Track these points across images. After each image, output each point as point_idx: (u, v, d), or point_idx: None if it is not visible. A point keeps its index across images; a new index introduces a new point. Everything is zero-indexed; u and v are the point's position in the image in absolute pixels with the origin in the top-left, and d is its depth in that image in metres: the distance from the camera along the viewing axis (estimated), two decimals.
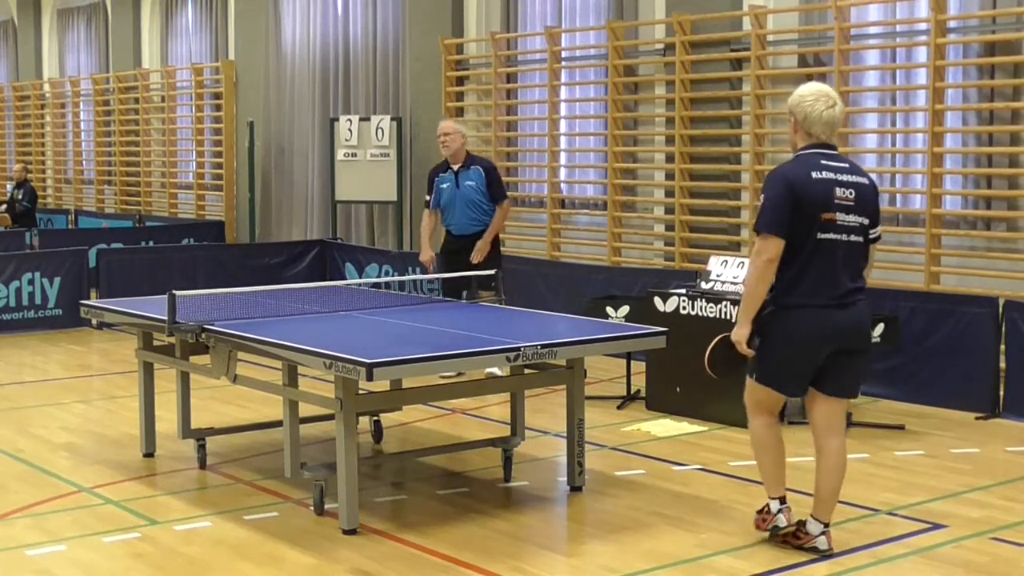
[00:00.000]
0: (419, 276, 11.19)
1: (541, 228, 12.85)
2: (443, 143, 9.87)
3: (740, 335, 5.53)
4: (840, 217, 5.41)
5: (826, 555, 5.58)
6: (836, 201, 5.41)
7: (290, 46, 16.43)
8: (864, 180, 5.55)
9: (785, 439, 7.92)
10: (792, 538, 5.68)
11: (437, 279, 10.34)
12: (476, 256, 9.68)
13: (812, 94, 5.52)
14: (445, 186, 9.92)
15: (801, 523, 5.69)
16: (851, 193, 5.46)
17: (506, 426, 7.31)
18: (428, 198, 10.12)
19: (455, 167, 9.89)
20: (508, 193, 10.44)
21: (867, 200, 5.53)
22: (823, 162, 5.46)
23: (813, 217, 5.36)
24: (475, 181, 9.84)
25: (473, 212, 9.87)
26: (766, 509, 5.79)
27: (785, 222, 5.34)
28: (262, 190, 16.73)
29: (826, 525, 5.64)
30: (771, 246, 5.36)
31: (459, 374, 7.94)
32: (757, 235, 5.44)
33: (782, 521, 5.69)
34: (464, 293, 8.16)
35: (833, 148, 5.58)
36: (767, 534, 5.91)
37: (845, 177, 5.48)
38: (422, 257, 10.27)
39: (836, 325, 5.44)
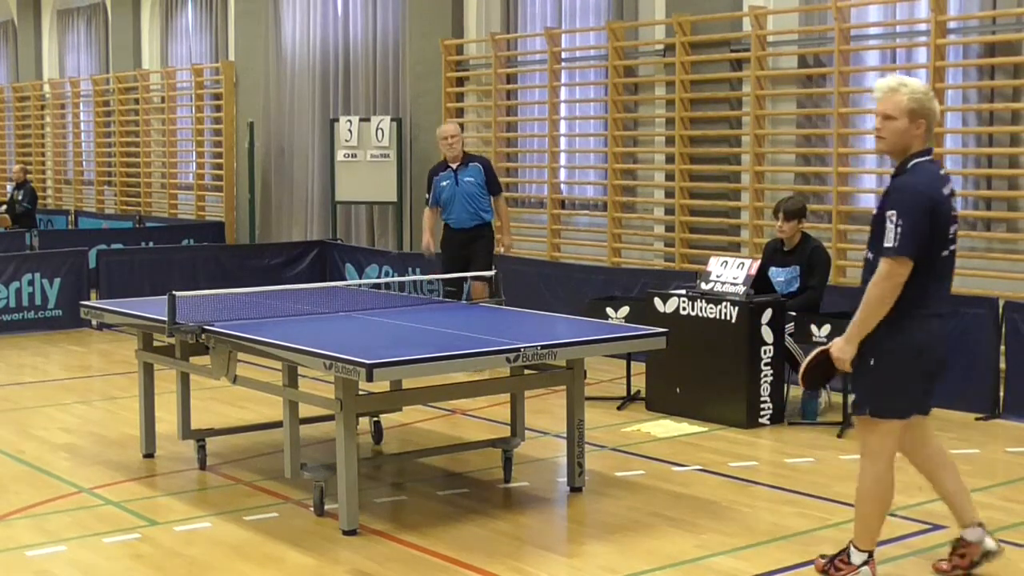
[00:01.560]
0: (419, 277, 11.25)
1: (541, 228, 12.85)
2: (450, 144, 10.36)
3: (846, 353, 5.08)
4: (952, 229, 5.10)
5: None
6: (954, 214, 5.11)
7: (290, 47, 16.43)
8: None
9: (782, 440, 7.99)
10: (957, 557, 5.38)
11: (437, 279, 10.52)
12: (505, 250, 10.55)
13: (924, 88, 5.05)
14: (445, 184, 10.41)
15: (958, 542, 5.41)
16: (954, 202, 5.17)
17: (506, 427, 7.30)
18: (428, 196, 10.62)
19: (453, 166, 10.37)
20: (508, 194, 11.02)
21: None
22: (940, 172, 5.10)
23: (944, 234, 5.02)
24: (474, 177, 10.36)
25: (473, 207, 10.37)
26: (844, 558, 5.29)
27: (923, 246, 4.92)
28: (262, 191, 16.73)
29: (980, 524, 5.36)
30: (904, 270, 4.91)
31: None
32: (887, 256, 4.93)
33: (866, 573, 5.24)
34: (465, 289, 8.32)
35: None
36: (770, 536, 5.91)
37: (950, 186, 5.13)
38: (424, 242, 10.79)
39: (943, 337, 5.18)
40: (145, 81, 19.46)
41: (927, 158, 5.05)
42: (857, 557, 5.22)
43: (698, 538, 5.91)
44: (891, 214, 4.93)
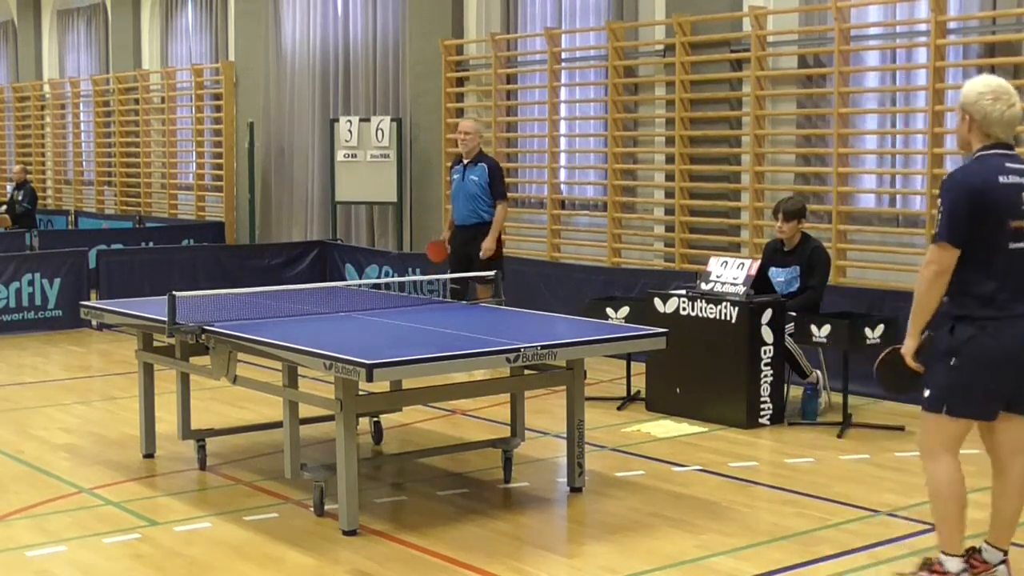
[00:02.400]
0: (419, 277, 11.26)
1: (541, 229, 12.85)
2: (462, 140, 10.53)
3: (908, 348, 5.07)
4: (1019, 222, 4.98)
5: None
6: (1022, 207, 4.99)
7: (290, 47, 16.43)
8: None
9: (782, 440, 7.98)
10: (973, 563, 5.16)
11: (438, 279, 10.57)
12: (484, 254, 10.22)
13: (991, 92, 5.07)
14: (455, 178, 10.63)
15: (974, 551, 5.18)
16: None
17: (506, 427, 7.30)
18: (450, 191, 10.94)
19: (466, 162, 10.51)
20: (509, 194, 10.89)
21: None
22: (1008, 165, 5.01)
23: (1001, 225, 4.93)
24: (479, 177, 10.41)
25: (472, 205, 10.43)
26: (935, 566, 5.13)
27: (962, 231, 4.89)
28: (262, 191, 16.73)
29: (1005, 553, 5.16)
30: (942, 256, 4.91)
31: None
32: (932, 244, 4.98)
33: None
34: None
35: (1011, 148, 5.10)
36: (770, 537, 5.92)
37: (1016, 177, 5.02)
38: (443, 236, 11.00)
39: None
40: (145, 81, 19.46)
41: (991, 152, 5.03)
42: (952, 564, 5.06)
43: (698, 538, 5.91)
44: (939, 203, 5.03)
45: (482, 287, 9.69)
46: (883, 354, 5.24)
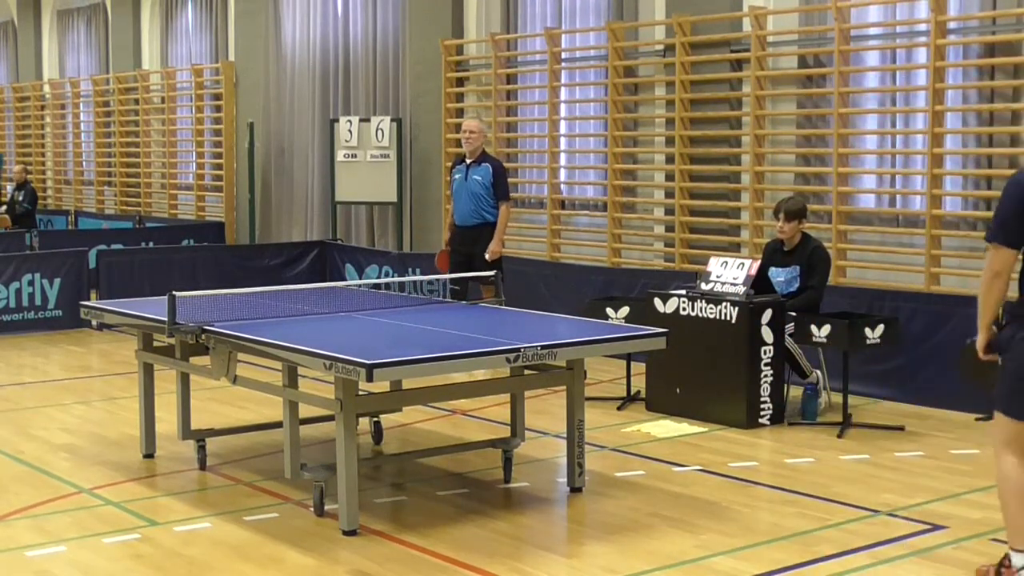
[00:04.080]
0: (419, 277, 11.26)
1: (541, 229, 12.85)
2: (466, 139, 10.47)
3: (979, 342, 5.11)
4: None
5: None
6: None
7: (290, 47, 16.43)
8: None
9: (782, 440, 7.98)
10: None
11: (438, 279, 10.52)
12: (491, 256, 10.17)
13: None
14: (457, 177, 10.56)
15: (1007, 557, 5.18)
16: None
17: (506, 427, 7.30)
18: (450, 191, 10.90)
19: (469, 161, 10.45)
20: (509, 195, 10.74)
21: None
22: None
23: None
24: (482, 176, 10.36)
25: (474, 205, 10.37)
26: (1005, 562, 5.14)
27: (1010, 231, 4.91)
28: (262, 191, 16.73)
29: None
30: (995, 257, 4.96)
31: None
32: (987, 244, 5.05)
33: None
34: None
35: None
36: (770, 537, 5.92)
37: None
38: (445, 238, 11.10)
39: None
40: (145, 81, 19.46)
41: None
42: (1019, 559, 5.04)
43: (698, 538, 5.91)
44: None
45: (486, 287, 9.69)
46: (964, 346, 5.24)
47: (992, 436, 5.18)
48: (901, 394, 9.04)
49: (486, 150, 10.64)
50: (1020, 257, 5.07)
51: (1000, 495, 5.12)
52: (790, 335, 8.44)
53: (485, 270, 9.33)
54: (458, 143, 10.67)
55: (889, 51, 10.16)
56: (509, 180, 11.01)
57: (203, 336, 6.56)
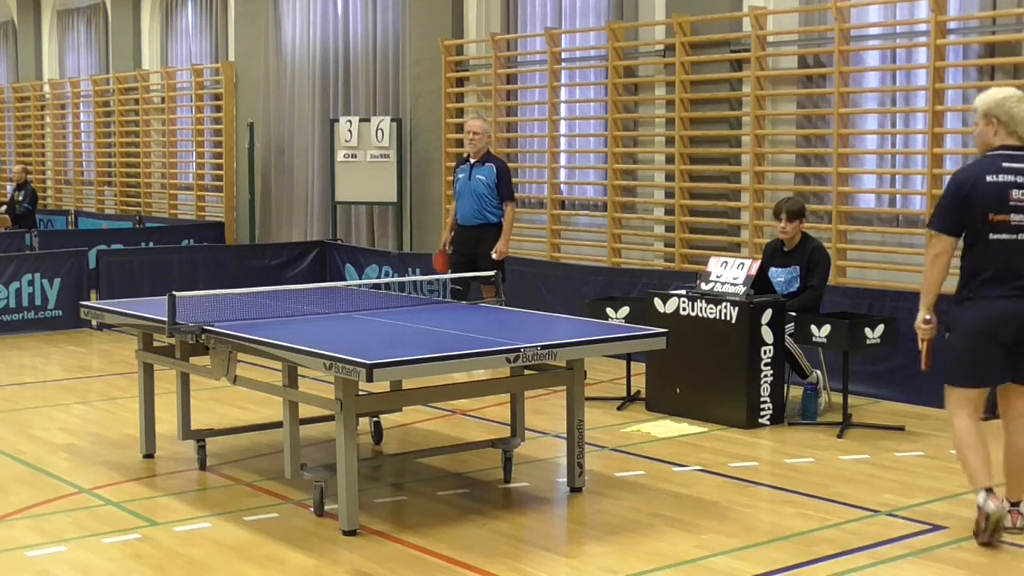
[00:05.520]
0: (419, 277, 11.26)
1: (541, 229, 12.85)
2: (470, 140, 10.46)
3: (918, 319, 5.92)
4: (1015, 218, 5.66)
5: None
6: (1012, 203, 5.65)
7: (290, 47, 16.43)
8: None
9: (782, 440, 7.99)
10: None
11: (438, 279, 10.51)
12: (498, 256, 10.17)
13: (1014, 96, 5.73)
14: (460, 177, 10.53)
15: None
16: None
17: (506, 427, 7.31)
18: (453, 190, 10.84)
19: (472, 161, 10.44)
20: (513, 195, 10.75)
21: None
22: (1005, 164, 5.68)
23: (983, 218, 5.65)
24: (486, 176, 10.35)
25: (478, 205, 10.35)
26: (978, 508, 5.79)
27: (951, 221, 5.71)
28: (262, 191, 16.73)
29: (1014, 504, 5.91)
30: (935, 243, 5.77)
31: None
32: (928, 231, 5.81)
33: (990, 506, 5.69)
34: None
35: None
36: (770, 537, 5.91)
37: (1009, 176, 5.68)
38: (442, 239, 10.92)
39: (1007, 315, 5.69)
40: (145, 81, 19.46)
41: (997, 152, 5.73)
42: (979, 497, 5.74)
43: (698, 538, 5.91)
44: None
45: (486, 287, 9.70)
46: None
47: (946, 404, 5.92)
48: (901, 394, 9.04)
49: (490, 150, 10.62)
50: (959, 252, 5.81)
51: (956, 448, 5.89)
52: (790, 335, 8.44)
53: (489, 270, 9.33)
54: (458, 143, 10.66)
55: (889, 51, 10.16)
56: None
57: (203, 336, 6.55)
